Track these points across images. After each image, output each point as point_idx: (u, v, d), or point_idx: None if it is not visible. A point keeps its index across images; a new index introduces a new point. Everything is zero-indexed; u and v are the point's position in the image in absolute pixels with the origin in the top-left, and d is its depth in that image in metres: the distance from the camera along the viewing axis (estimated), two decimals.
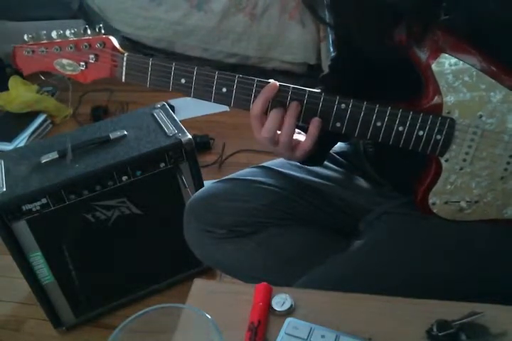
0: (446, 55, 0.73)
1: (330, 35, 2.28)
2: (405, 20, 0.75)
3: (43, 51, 0.82)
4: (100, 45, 0.80)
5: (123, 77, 0.81)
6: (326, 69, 1.04)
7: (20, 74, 2.48)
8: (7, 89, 2.42)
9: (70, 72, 0.83)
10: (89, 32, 0.81)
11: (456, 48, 0.73)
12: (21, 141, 2.32)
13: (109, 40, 0.81)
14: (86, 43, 0.80)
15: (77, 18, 2.59)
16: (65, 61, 0.82)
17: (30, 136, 2.35)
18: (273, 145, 0.80)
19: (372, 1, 0.79)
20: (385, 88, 0.87)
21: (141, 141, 1.36)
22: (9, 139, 2.30)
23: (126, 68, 0.80)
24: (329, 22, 0.89)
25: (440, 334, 0.60)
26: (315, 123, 0.77)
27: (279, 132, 0.78)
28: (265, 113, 0.77)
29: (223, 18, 2.41)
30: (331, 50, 2.29)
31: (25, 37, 0.82)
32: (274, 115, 0.77)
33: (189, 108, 2.33)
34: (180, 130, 1.38)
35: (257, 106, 0.76)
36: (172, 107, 2.20)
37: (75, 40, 0.81)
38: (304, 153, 0.81)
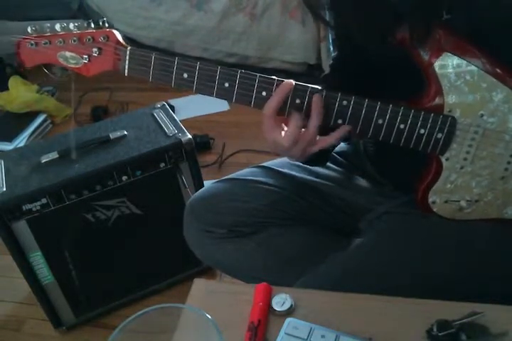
0: (449, 54, 0.73)
1: (330, 35, 2.28)
2: (407, 20, 0.75)
3: (46, 43, 0.82)
4: (104, 38, 0.80)
5: (126, 71, 0.81)
6: (326, 69, 1.04)
7: (21, 74, 2.48)
8: (7, 89, 2.42)
9: (73, 65, 0.83)
10: (92, 25, 0.81)
11: (458, 48, 0.73)
12: (21, 141, 2.32)
13: (113, 33, 0.81)
14: (89, 36, 0.80)
15: (77, 18, 2.59)
16: (68, 54, 0.82)
17: (30, 136, 2.35)
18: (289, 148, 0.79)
19: (373, 1, 0.79)
20: (386, 87, 0.86)
21: (141, 141, 1.36)
22: (9, 139, 2.30)
23: (129, 62, 0.80)
24: (330, 22, 0.89)
25: (440, 334, 0.60)
26: (346, 128, 0.77)
27: None
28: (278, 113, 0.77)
29: (223, 18, 2.41)
30: (331, 49, 2.29)
31: (29, 29, 0.82)
32: (295, 120, 0.76)
33: (189, 108, 2.32)
34: (180, 130, 1.37)
35: (271, 105, 0.76)
36: (172, 107, 2.20)
37: (78, 33, 0.81)
38: (312, 152, 0.81)
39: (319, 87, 0.77)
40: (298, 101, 0.76)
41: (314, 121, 0.76)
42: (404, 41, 0.75)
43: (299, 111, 0.76)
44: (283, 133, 0.78)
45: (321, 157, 0.91)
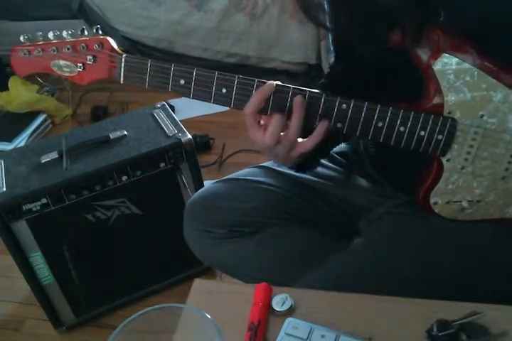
0: (447, 54, 0.73)
1: (330, 35, 2.27)
2: (400, 22, 0.75)
3: (39, 52, 0.81)
4: (98, 46, 0.79)
5: (121, 79, 0.80)
6: (326, 69, 1.04)
7: None
8: (7, 89, 2.42)
9: (68, 73, 0.82)
10: (86, 33, 0.80)
11: (457, 48, 0.73)
12: (21, 141, 2.32)
13: (107, 40, 0.80)
14: (83, 44, 0.79)
15: (77, 18, 2.59)
16: (62, 62, 0.81)
17: (30, 136, 2.35)
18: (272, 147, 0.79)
19: (368, 4, 0.79)
20: (385, 88, 0.87)
21: (141, 141, 1.36)
22: (9, 139, 2.30)
23: (124, 69, 0.80)
24: (325, 24, 0.88)
25: (440, 334, 0.60)
26: (324, 126, 0.76)
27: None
28: (260, 112, 0.77)
29: (223, 18, 2.41)
30: (331, 49, 2.29)
31: (21, 38, 0.81)
32: (277, 120, 0.76)
33: (189, 108, 2.32)
34: (180, 130, 1.38)
35: (251, 105, 0.75)
36: (172, 107, 2.20)
37: (72, 41, 0.80)
38: (300, 155, 0.80)
39: (318, 91, 0.76)
40: (281, 101, 0.76)
41: (294, 123, 0.76)
42: (399, 43, 0.75)
43: (281, 112, 0.76)
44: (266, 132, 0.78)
45: (309, 163, 0.91)
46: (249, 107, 0.76)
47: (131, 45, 2.59)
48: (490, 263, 0.82)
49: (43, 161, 1.32)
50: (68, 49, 0.80)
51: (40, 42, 0.82)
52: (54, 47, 0.80)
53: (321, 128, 0.77)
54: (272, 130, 0.76)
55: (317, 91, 0.77)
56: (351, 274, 0.83)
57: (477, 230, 0.82)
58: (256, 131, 0.78)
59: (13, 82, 2.42)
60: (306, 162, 0.87)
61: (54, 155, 1.33)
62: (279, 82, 0.76)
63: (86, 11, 2.60)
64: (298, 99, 0.75)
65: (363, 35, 0.83)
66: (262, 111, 0.77)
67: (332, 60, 1.02)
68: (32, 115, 2.43)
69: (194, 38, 2.51)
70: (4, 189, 1.24)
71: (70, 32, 0.80)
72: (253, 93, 0.76)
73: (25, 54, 0.81)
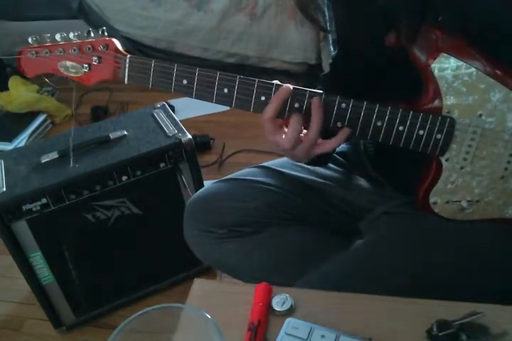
0: (446, 54, 0.73)
1: (330, 36, 2.27)
2: (397, 21, 0.75)
3: (46, 53, 0.83)
4: (103, 47, 0.81)
5: (126, 79, 0.82)
6: (326, 69, 1.04)
7: (21, 74, 2.48)
8: (7, 89, 2.42)
9: (74, 74, 0.83)
10: (92, 34, 0.82)
11: (455, 48, 0.73)
12: (21, 141, 2.32)
13: (112, 42, 0.81)
14: (89, 45, 0.81)
15: (77, 18, 2.59)
16: (68, 63, 0.83)
17: (30, 136, 2.35)
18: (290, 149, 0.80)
19: (367, 3, 0.79)
20: (385, 87, 0.87)
21: (141, 141, 1.36)
22: (9, 139, 2.30)
23: (128, 70, 0.81)
24: (323, 24, 0.89)
25: (440, 334, 0.60)
26: (346, 133, 0.77)
27: None
28: (278, 116, 0.77)
29: (223, 18, 2.41)
30: (332, 49, 2.29)
31: (30, 39, 0.83)
32: (295, 123, 0.76)
33: (189, 108, 2.32)
34: (180, 130, 1.38)
35: (270, 109, 0.76)
36: (172, 107, 2.20)
37: (78, 42, 0.82)
38: (315, 154, 0.81)
39: (319, 91, 0.77)
40: (297, 105, 0.77)
41: (315, 124, 0.77)
42: (395, 43, 0.76)
43: (298, 115, 0.76)
44: (283, 135, 0.78)
45: (322, 158, 0.91)
46: (268, 112, 0.76)
47: (131, 45, 2.59)
48: (489, 263, 0.82)
49: (43, 161, 1.32)
50: (74, 50, 0.82)
51: (48, 44, 0.83)
52: (61, 49, 0.82)
53: (343, 134, 0.78)
54: (291, 134, 0.77)
55: (317, 91, 0.77)
56: (351, 274, 0.83)
57: (477, 230, 0.82)
58: (274, 135, 0.78)
59: (13, 82, 2.42)
60: (321, 157, 0.88)
61: (54, 155, 1.33)
62: (290, 85, 0.77)
63: (86, 11, 2.60)
64: (316, 100, 0.76)
65: (362, 35, 0.83)
66: (280, 115, 0.77)
67: (334, 53, 1.03)
68: (32, 115, 2.43)
69: (194, 38, 2.51)
70: (4, 189, 1.24)
71: (76, 33, 0.82)
72: (253, 93, 0.77)
73: (32, 55, 0.83)
